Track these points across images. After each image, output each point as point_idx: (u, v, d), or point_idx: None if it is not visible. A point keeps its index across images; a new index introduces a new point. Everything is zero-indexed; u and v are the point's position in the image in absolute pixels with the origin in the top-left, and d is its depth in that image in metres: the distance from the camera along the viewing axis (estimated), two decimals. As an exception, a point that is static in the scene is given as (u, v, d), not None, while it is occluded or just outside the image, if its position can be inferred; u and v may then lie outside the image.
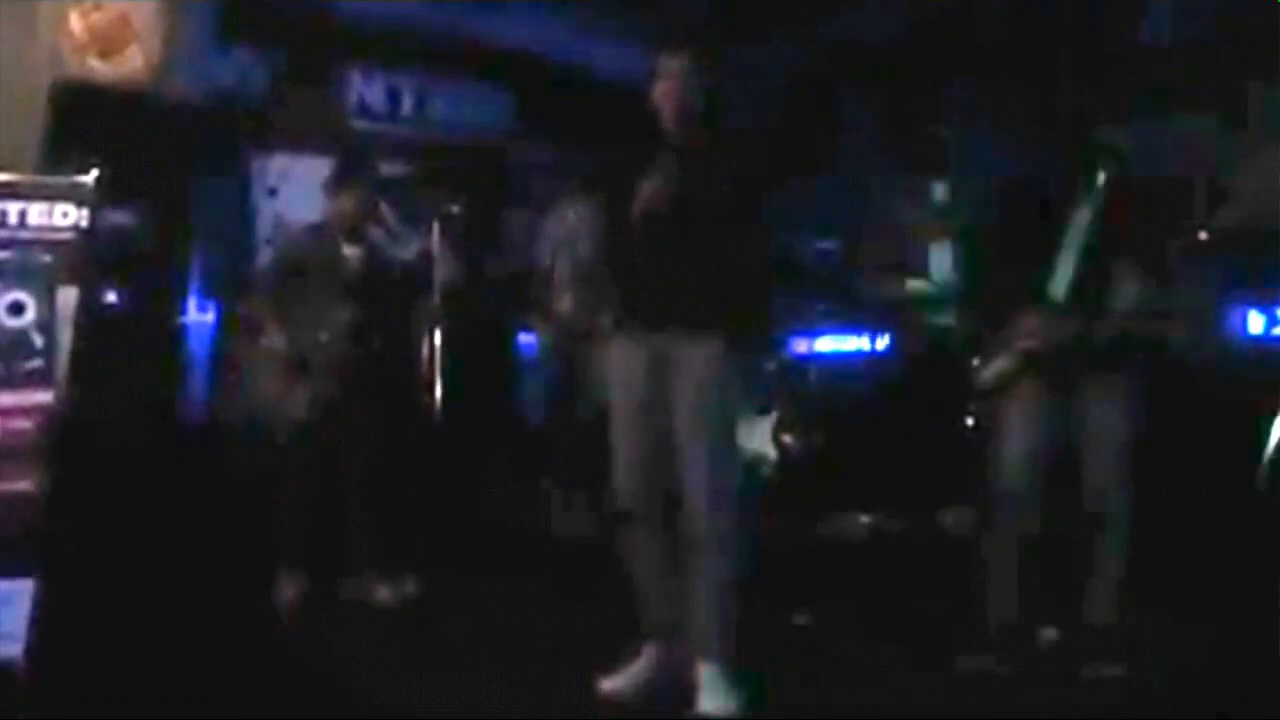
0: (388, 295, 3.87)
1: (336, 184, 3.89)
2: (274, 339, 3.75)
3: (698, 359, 2.67)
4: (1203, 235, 3.17)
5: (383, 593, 3.74)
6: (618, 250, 2.88)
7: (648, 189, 2.71)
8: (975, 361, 3.01)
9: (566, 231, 4.70)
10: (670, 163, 2.72)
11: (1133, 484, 2.88)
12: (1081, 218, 2.86)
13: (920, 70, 5.41)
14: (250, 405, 3.77)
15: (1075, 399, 2.90)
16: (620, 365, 2.80)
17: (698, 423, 2.67)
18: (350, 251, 3.87)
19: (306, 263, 3.84)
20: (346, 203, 3.85)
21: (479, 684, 2.89)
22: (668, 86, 2.73)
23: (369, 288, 3.82)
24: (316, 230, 3.96)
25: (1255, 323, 3.76)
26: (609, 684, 2.77)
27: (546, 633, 3.30)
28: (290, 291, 3.79)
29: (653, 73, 2.78)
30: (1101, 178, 2.87)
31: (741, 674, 2.67)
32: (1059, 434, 2.91)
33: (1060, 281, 2.84)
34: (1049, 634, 3.01)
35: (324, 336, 3.72)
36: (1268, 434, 3.05)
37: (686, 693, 2.66)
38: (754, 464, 4.64)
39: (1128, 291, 2.83)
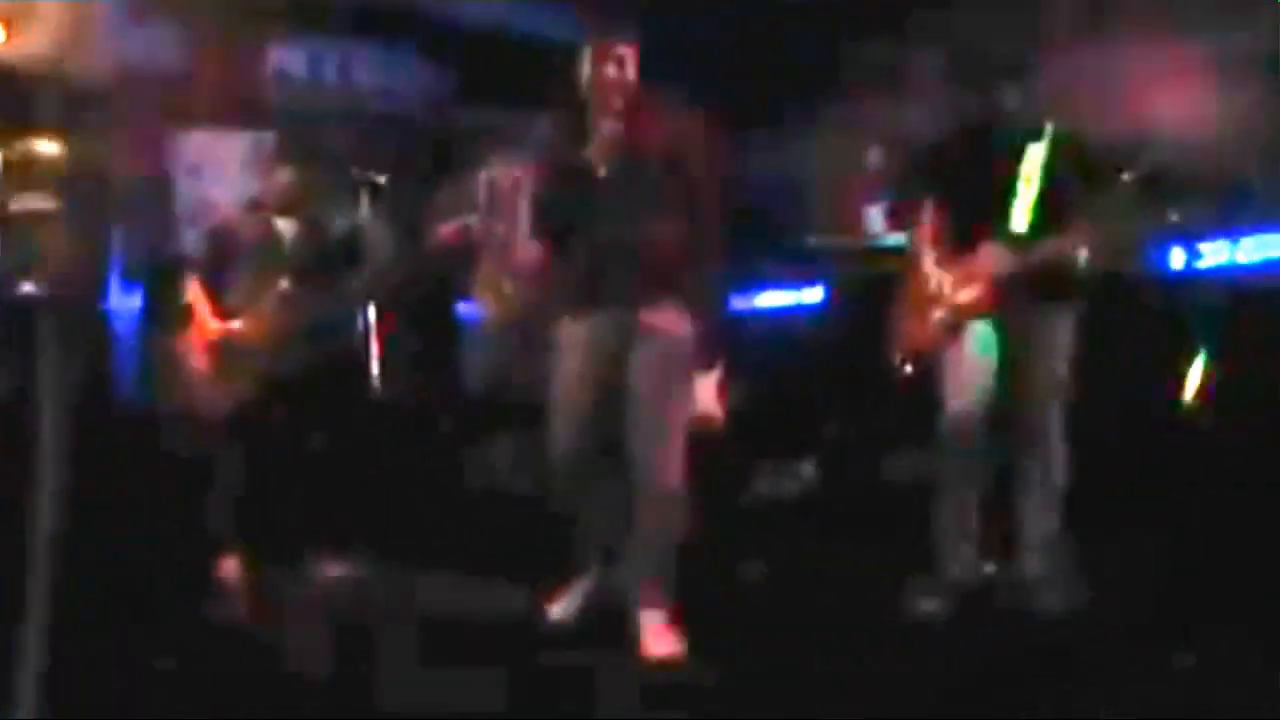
0: (322, 270, 3.81)
1: (274, 160, 3.82)
2: (204, 321, 3.68)
3: (657, 326, 2.75)
4: (1125, 176, 3.25)
5: (330, 571, 3.72)
6: (560, 223, 2.90)
7: (588, 162, 2.75)
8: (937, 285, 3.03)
9: (494, 197, 4.65)
10: (609, 138, 2.76)
11: (1064, 416, 2.97)
12: (1033, 161, 2.95)
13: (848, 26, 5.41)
14: (185, 389, 3.70)
15: (1016, 334, 2.97)
16: (574, 332, 2.86)
17: (659, 388, 2.77)
18: (286, 227, 3.81)
19: (240, 241, 3.76)
20: (284, 178, 3.78)
21: (431, 646, 2.90)
22: (599, 71, 2.76)
23: (305, 264, 3.76)
24: (250, 207, 3.88)
25: (1177, 258, 3.88)
26: (554, 610, 2.93)
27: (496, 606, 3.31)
28: (224, 272, 3.73)
29: (579, 47, 2.80)
30: (1049, 127, 2.96)
31: (682, 624, 2.75)
32: (1001, 367, 2.97)
33: (1019, 217, 2.94)
34: (989, 569, 3.08)
35: (261, 314, 3.66)
36: (1187, 366, 3.14)
37: (622, 616, 2.80)
38: (699, 420, 4.66)
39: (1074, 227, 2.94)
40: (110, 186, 4.44)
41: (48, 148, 3.73)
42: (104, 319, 4.21)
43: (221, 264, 3.75)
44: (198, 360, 3.68)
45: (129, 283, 4.47)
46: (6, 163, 2.63)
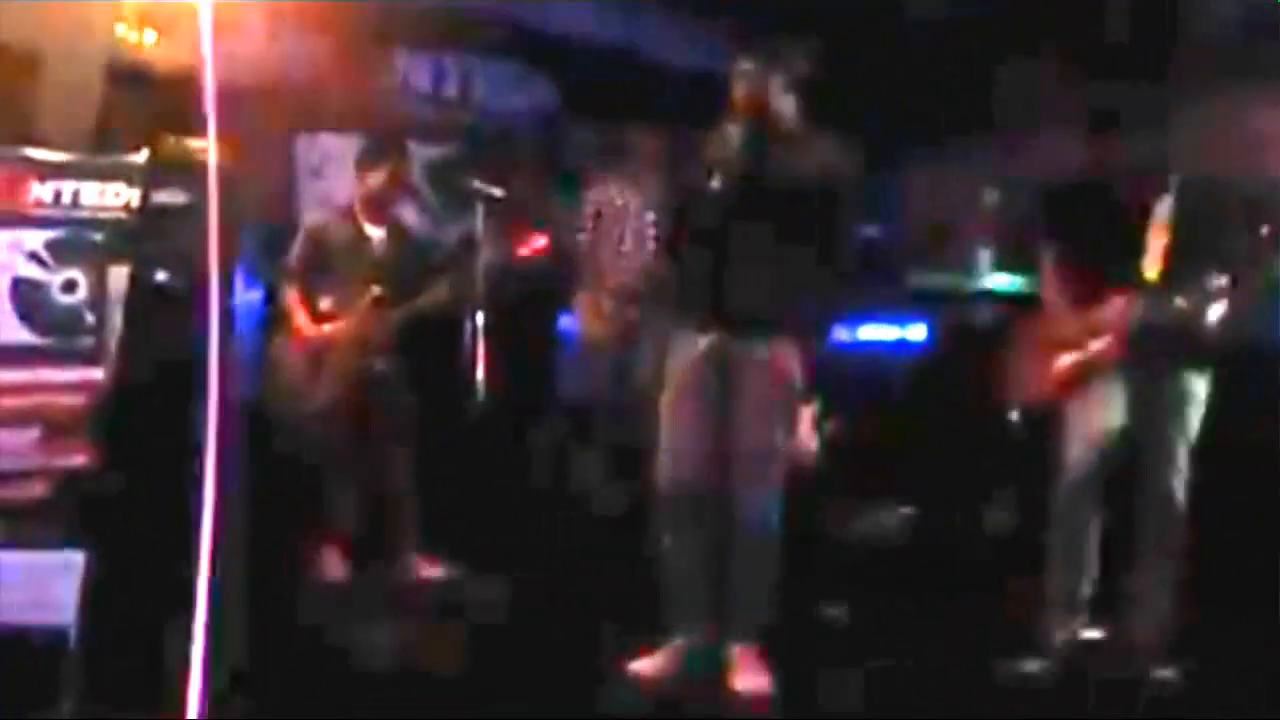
0: (418, 277, 3.86)
1: (362, 164, 3.89)
2: (299, 323, 3.77)
3: (764, 358, 2.72)
4: (1265, 230, 3.10)
5: (424, 573, 3.77)
6: (681, 243, 2.89)
7: (721, 183, 2.71)
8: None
9: (606, 212, 4.66)
10: (745, 157, 2.72)
11: (1194, 480, 2.83)
12: (1163, 210, 2.82)
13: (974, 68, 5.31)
14: (285, 389, 3.80)
15: (1146, 390, 2.84)
16: (683, 358, 2.81)
17: (763, 419, 2.73)
18: (374, 232, 3.87)
19: (330, 245, 3.84)
20: (372, 183, 3.86)
21: (513, 664, 2.92)
22: (747, 88, 2.73)
23: (397, 269, 3.82)
24: (339, 212, 3.97)
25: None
26: (637, 666, 2.81)
27: (582, 615, 3.32)
28: (317, 275, 3.81)
29: (718, 63, 2.80)
30: (1180, 175, 2.84)
31: (774, 659, 2.72)
32: (1129, 425, 2.84)
33: (1151, 264, 2.82)
34: (1094, 634, 2.96)
35: (348, 319, 3.73)
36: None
37: (713, 678, 2.71)
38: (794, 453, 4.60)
39: (1208, 281, 2.81)
40: (241, 184, 4.58)
41: (190, 144, 3.89)
42: (231, 314, 4.35)
43: (314, 268, 3.84)
44: (294, 362, 3.77)
45: (252, 280, 4.62)
46: (151, 157, 2.75)
